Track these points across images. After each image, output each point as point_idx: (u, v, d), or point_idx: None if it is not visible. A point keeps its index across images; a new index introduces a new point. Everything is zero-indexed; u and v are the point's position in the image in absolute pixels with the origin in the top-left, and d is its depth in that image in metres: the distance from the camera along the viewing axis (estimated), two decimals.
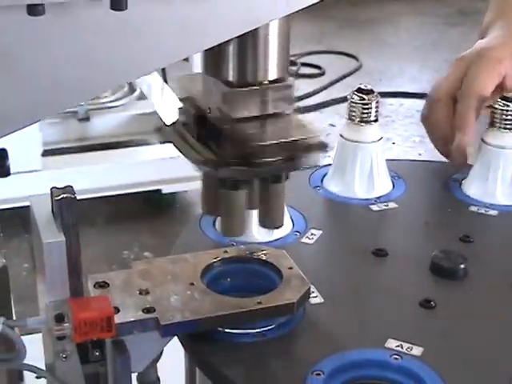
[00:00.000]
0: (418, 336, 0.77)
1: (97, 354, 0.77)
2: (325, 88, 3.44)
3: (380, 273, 0.90)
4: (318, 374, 0.72)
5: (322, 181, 1.08)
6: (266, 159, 0.70)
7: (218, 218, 0.91)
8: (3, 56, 0.57)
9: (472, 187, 1.05)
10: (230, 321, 0.77)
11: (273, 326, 0.78)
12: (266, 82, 0.71)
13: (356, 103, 1.03)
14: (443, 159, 1.14)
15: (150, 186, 2.43)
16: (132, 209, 2.47)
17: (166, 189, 2.44)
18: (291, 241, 0.94)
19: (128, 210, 2.47)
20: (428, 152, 2.90)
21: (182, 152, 0.73)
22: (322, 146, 0.72)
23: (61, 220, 0.75)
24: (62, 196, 0.75)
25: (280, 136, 0.71)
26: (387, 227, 1.00)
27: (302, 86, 3.37)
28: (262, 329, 0.78)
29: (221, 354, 0.75)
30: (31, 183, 2.16)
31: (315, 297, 0.83)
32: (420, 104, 3.53)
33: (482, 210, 1.02)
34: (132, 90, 2.67)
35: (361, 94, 1.03)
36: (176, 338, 0.78)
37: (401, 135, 3.05)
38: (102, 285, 0.79)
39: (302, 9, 0.64)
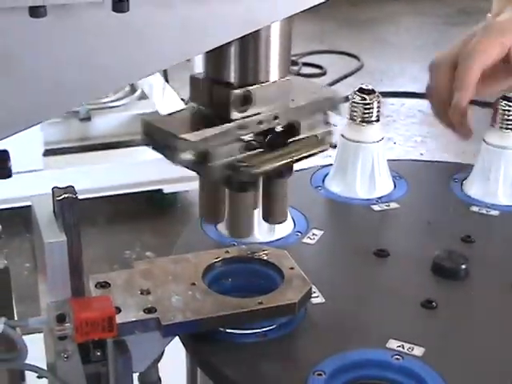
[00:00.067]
0: (420, 336, 0.77)
1: (98, 354, 0.77)
2: None
3: (381, 273, 0.90)
4: (320, 375, 0.72)
5: (323, 181, 1.08)
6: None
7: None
8: (5, 58, 0.57)
9: (473, 187, 1.05)
10: (232, 321, 0.77)
11: (274, 327, 0.78)
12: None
13: (357, 103, 1.03)
14: (445, 159, 1.14)
15: (151, 185, 2.43)
16: (133, 209, 2.47)
17: (168, 188, 2.44)
18: (292, 241, 0.94)
19: (129, 210, 2.47)
20: (429, 152, 2.90)
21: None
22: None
23: (62, 220, 0.75)
24: (63, 196, 0.75)
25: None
26: (389, 227, 1.00)
27: None
28: (264, 329, 0.78)
29: (222, 354, 0.75)
30: (32, 183, 2.16)
31: (316, 297, 0.83)
32: (421, 104, 3.50)
33: (484, 211, 1.02)
34: (133, 89, 2.67)
35: (362, 94, 1.03)
36: (177, 338, 0.78)
37: (402, 135, 3.05)
38: (104, 285, 0.79)
39: (303, 10, 0.64)
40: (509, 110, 1.02)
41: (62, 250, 0.75)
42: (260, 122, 0.70)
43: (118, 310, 0.75)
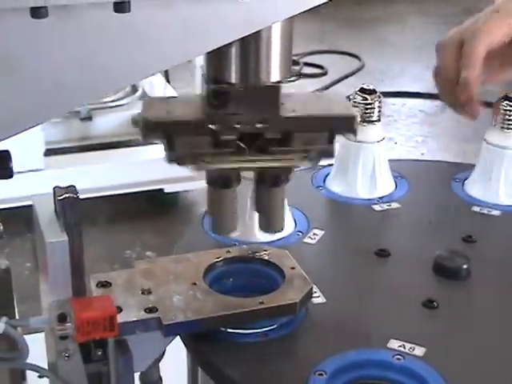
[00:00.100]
0: (421, 336, 0.77)
1: (99, 353, 0.77)
2: (327, 88, 3.44)
3: (382, 273, 0.90)
4: (321, 374, 0.72)
5: (324, 181, 1.08)
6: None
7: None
8: (7, 59, 0.57)
9: (475, 187, 1.05)
10: (233, 321, 0.77)
11: (275, 326, 0.78)
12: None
13: (359, 103, 1.03)
14: (446, 159, 1.14)
15: (152, 185, 2.43)
16: (134, 208, 2.47)
17: (169, 188, 2.44)
18: (293, 241, 0.94)
19: (130, 210, 2.47)
20: (430, 152, 2.90)
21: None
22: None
23: (63, 219, 0.75)
24: (64, 195, 0.75)
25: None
26: (390, 227, 1.00)
27: (304, 86, 3.37)
28: (265, 329, 0.78)
29: (223, 354, 0.75)
30: (33, 183, 2.16)
31: (317, 297, 0.83)
32: (423, 104, 3.50)
33: (485, 210, 1.02)
34: (134, 89, 2.67)
35: (363, 94, 1.03)
36: (178, 337, 0.78)
37: (403, 135, 3.05)
38: (105, 284, 0.79)
39: (305, 11, 0.64)
40: (510, 110, 1.02)
41: (63, 249, 0.75)
42: (238, 123, 0.70)
43: (119, 310, 0.75)
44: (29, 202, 0.83)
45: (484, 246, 0.94)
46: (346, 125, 0.73)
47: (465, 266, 0.87)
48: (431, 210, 1.04)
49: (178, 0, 0.60)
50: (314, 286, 0.81)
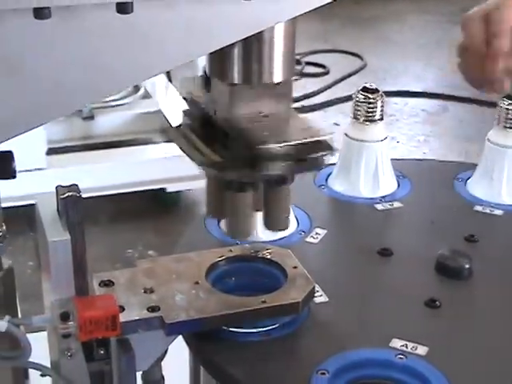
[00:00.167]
0: (423, 335, 0.77)
1: (102, 352, 0.77)
2: (329, 87, 3.44)
3: (385, 272, 0.90)
4: (323, 374, 0.72)
5: (326, 180, 1.08)
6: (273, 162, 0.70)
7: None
8: (10, 59, 0.57)
9: (477, 187, 1.05)
10: (235, 320, 0.77)
11: (277, 325, 0.78)
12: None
13: (361, 102, 1.03)
14: (448, 158, 1.14)
15: (154, 184, 2.43)
16: (136, 207, 2.47)
17: (171, 187, 2.44)
18: (296, 240, 0.94)
19: (132, 209, 2.47)
20: (432, 151, 2.90)
21: (187, 154, 0.73)
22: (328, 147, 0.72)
23: (66, 218, 0.75)
24: (67, 194, 0.75)
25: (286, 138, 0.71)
26: (392, 226, 1.00)
27: (306, 85, 3.37)
28: (267, 328, 0.78)
29: (225, 353, 0.75)
30: (36, 182, 2.16)
31: (320, 296, 0.83)
32: (425, 103, 3.49)
33: (487, 210, 1.02)
34: (136, 88, 2.67)
35: (366, 93, 1.03)
36: (181, 336, 0.78)
37: (405, 134, 3.05)
38: (107, 283, 0.79)
39: (309, 11, 0.64)
40: None
41: (65, 248, 0.75)
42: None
43: (122, 309, 0.75)
44: (31, 201, 0.83)
45: (486, 246, 0.94)
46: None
47: (467, 266, 0.87)
48: (433, 210, 1.04)
49: (181, 0, 0.60)
50: (317, 285, 0.81)
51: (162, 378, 0.83)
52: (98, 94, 0.63)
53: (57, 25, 0.57)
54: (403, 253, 0.92)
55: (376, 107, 1.03)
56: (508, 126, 1.03)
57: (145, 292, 0.78)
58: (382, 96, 1.03)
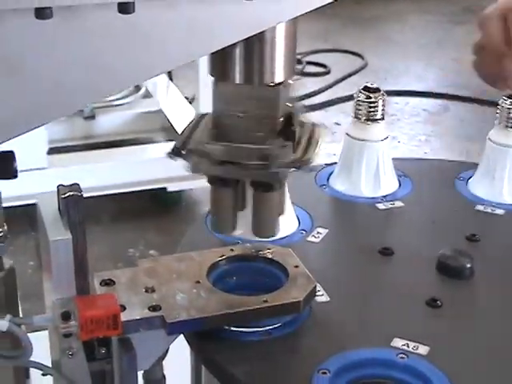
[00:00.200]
0: (425, 335, 0.77)
1: (103, 351, 0.77)
2: (330, 86, 3.44)
3: (386, 272, 0.90)
4: (324, 373, 0.72)
5: (328, 179, 1.08)
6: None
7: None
8: (11, 59, 0.57)
9: (479, 186, 1.05)
10: (236, 319, 0.77)
11: (279, 325, 0.78)
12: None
13: (362, 101, 1.03)
14: (449, 158, 1.13)
15: (155, 184, 2.43)
16: (137, 207, 2.47)
17: (172, 187, 2.44)
18: (297, 239, 0.94)
19: (133, 208, 2.47)
20: (433, 151, 2.89)
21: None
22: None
23: (67, 218, 0.75)
24: (68, 194, 0.75)
25: None
26: (393, 226, 1.00)
27: (307, 85, 3.37)
28: (268, 327, 0.78)
29: (227, 353, 0.75)
30: (37, 181, 2.16)
31: (321, 295, 0.83)
32: (426, 102, 3.49)
33: (489, 209, 1.01)
34: (137, 88, 2.67)
35: (367, 93, 1.03)
36: (182, 336, 0.78)
37: (406, 134, 3.05)
38: (108, 282, 0.79)
39: (310, 11, 0.64)
40: None
41: (67, 247, 0.75)
42: None
43: (123, 308, 0.75)
44: (32, 201, 0.83)
45: (488, 245, 0.94)
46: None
47: (468, 265, 0.87)
48: (435, 209, 1.04)
49: (183, 0, 0.60)
50: (318, 285, 0.81)
51: (164, 377, 0.83)
52: (99, 94, 0.63)
53: (58, 25, 0.57)
54: (404, 252, 0.92)
55: (377, 106, 1.03)
56: (509, 125, 1.03)
57: (146, 291, 0.78)
58: (383, 95, 1.03)
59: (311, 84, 3.42)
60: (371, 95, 1.03)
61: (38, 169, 2.30)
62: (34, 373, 0.84)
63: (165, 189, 2.46)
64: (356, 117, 1.04)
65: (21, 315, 0.87)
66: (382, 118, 1.04)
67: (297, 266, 0.82)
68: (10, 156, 0.79)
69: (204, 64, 0.74)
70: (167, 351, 0.80)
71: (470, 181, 1.07)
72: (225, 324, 0.77)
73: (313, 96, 3.32)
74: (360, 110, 1.03)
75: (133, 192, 2.42)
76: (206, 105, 1.16)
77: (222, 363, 0.74)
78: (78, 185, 0.76)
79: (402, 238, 0.96)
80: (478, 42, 1.05)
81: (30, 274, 2.09)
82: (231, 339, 0.77)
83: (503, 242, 0.97)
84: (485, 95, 2.99)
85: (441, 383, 0.71)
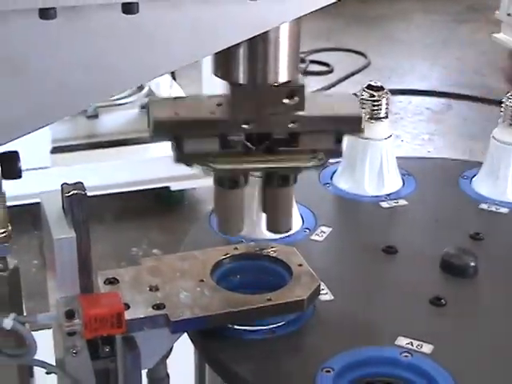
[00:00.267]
0: (429, 333, 0.77)
1: (107, 350, 0.78)
2: (333, 85, 3.44)
3: (390, 270, 0.90)
4: (328, 371, 0.72)
5: (331, 178, 1.07)
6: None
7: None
8: (15, 60, 0.57)
9: (483, 185, 1.05)
10: (240, 317, 0.77)
11: (282, 323, 0.78)
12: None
13: (366, 100, 1.03)
14: (452, 157, 1.13)
15: (158, 183, 2.43)
16: (141, 206, 2.47)
17: (175, 186, 2.44)
18: (301, 238, 0.94)
19: (137, 207, 2.47)
20: (437, 150, 2.89)
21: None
22: None
23: (71, 216, 0.76)
24: (72, 192, 0.75)
25: None
26: (397, 224, 1.00)
27: (310, 84, 3.36)
28: (272, 326, 0.78)
29: (230, 351, 0.75)
30: (40, 180, 2.16)
31: (325, 294, 0.83)
32: (429, 101, 3.47)
33: (493, 208, 1.01)
34: (141, 87, 2.67)
35: (371, 91, 1.03)
36: (186, 334, 0.78)
37: (409, 133, 3.04)
38: (112, 281, 0.79)
39: (314, 11, 0.64)
40: None
41: (70, 246, 0.75)
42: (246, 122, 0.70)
43: (127, 307, 0.75)
44: (35, 200, 0.83)
45: (492, 244, 0.94)
46: (352, 125, 0.73)
47: (472, 264, 0.87)
48: (439, 208, 1.04)
49: (187, 1, 0.60)
50: (322, 283, 0.81)
51: (167, 375, 0.84)
52: (103, 94, 0.63)
53: (62, 25, 0.57)
54: (408, 251, 0.92)
55: (381, 105, 1.03)
56: None
57: (150, 290, 0.78)
58: (386, 94, 1.03)
59: (314, 83, 3.41)
60: (375, 93, 1.02)
61: (41, 168, 2.30)
62: (38, 371, 0.85)
63: (168, 188, 2.46)
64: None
65: (25, 314, 0.87)
66: (386, 117, 1.04)
67: (301, 265, 0.82)
68: (14, 156, 0.79)
69: (207, 63, 0.74)
70: (171, 350, 0.80)
71: (473, 179, 1.07)
72: (228, 322, 0.77)
73: None
74: (364, 108, 1.03)
75: (136, 191, 2.42)
76: None
77: (226, 362, 0.74)
78: (81, 183, 0.76)
79: (405, 237, 0.96)
80: None
81: (34, 273, 2.09)
82: (235, 338, 0.77)
83: (507, 240, 0.97)
84: (488, 94, 2.99)
85: (445, 382, 0.70)
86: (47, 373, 0.80)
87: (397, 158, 1.06)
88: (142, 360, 0.76)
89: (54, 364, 0.80)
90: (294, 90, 0.70)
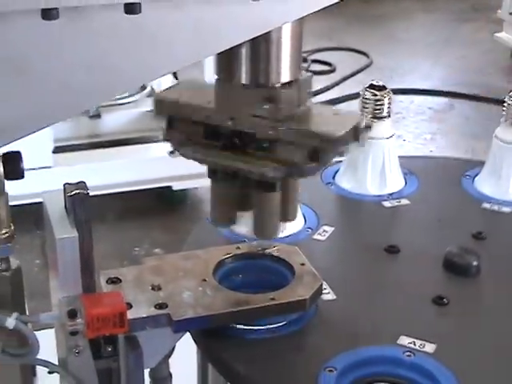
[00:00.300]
0: (431, 333, 0.77)
1: (109, 349, 0.78)
2: (336, 85, 3.44)
3: (392, 269, 0.90)
4: (331, 371, 0.72)
5: (334, 177, 1.07)
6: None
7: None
8: (17, 60, 0.57)
9: (485, 184, 1.05)
10: (242, 317, 0.77)
11: (285, 323, 0.78)
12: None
13: (368, 99, 1.03)
14: (455, 156, 1.13)
15: (160, 182, 2.43)
16: (143, 205, 2.48)
17: (177, 185, 2.44)
18: (303, 237, 0.94)
19: (139, 207, 2.47)
20: (439, 149, 2.89)
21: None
22: None
23: (74, 216, 0.76)
24: (74, 192, 0.75)
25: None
26: (399, 224, 1.00)
27: (312, 83, 3.36)
28: (274, 325, 0.78)
29: (233, 350, 0.75)
30: (42, 180, 2.16)
31: (327, 293, 0.83)
32: (431, 101, 3.47)
33: (495, 207, 1.01)
34: (143, 87, 2.67)
35: (373, 90, 1.03)
36: (188, 334, 0.78)
37: (411, 132, 3.04)
38: (115, 280, 0.79)
39: (317, 11, 0.64)
40: None
41: (73, 245, 0.75)
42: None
43: (129, 306, 0.75)
44: (37, 200, 0.83)
45: (494, 243, 0.94)
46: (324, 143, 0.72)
47: (475, 263, 0.87)
48: (441, 207, 1.04)
49: (189, 1, 0.60)
50: (324, 283, 0.81)
51: (170, 375, 0.84)
52: (105, 94, 0.63)
53: (65, 26, 0.57)
54: (410, 250, 0.92)
55: (383, 104, 1.03)
56: None
57: (152, 289, 0.78)
58: (389, 93, 1.03)
59: (316, 82, 3.41)
60: (377, 93, 1.02)
61: (43, 167, 2.30)
62: (41, 371, 0.85)
63: (170, 187, 2.46)
64: (362, 114, 1.04)
65: (27, 313, 0.87)
66: (388, 116, 1.04)
67: (303, 264, 0.82)
68: (17, 157, 0.79)
69: (209, 63, 0.74)
70: (173, 349, 0.80)
71: (476, 179, 1.07)
72: (231, 322, 0.77)
73: (318, 94, 3.32)
74: (366, 107, 1.03)
75: (138, 190, 2.42)
76: None
77: (229, 361, 0.74)
78: (84, 183, 0.76)
79: (408, 236, 0.96)
80: None
81: (36, 273, 2.09)
82: (237, 337, 0.77)
83: (510, 239, 0.97)
84: (490, 93, 2.99)
85: (447, 381, 0.70)
86: (50, 372, 0.80)
87: (399, 157, 1.06)
88: (145, 359, 0.76)
89: (57, 363, 0.80)
90: (271, 95, 0.69)
